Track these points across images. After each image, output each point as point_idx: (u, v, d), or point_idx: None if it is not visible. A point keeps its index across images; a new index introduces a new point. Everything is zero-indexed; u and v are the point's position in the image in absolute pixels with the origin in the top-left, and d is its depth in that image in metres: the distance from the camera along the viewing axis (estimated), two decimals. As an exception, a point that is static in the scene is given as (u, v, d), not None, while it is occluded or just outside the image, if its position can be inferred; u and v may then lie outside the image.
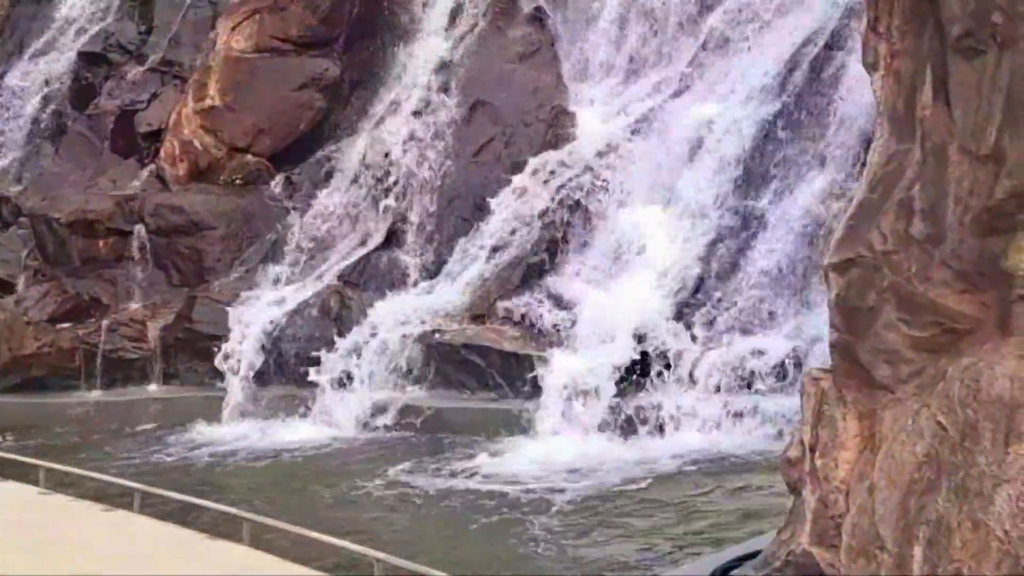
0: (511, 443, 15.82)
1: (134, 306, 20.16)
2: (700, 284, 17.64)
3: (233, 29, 21.90)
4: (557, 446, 15.56)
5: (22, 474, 13.43)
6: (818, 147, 18.02)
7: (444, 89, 20.78)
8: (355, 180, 20.72)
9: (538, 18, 21.08)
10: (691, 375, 16.56)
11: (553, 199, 18.88)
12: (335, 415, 17.38)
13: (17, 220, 21.69)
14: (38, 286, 20.59)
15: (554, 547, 11.75)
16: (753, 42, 19.78)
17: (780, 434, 14.60)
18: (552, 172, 19.22)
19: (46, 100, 24.80)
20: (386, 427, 17.14)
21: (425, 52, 21.58)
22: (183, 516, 11.96)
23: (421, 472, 14.89)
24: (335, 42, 21.94)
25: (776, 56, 19.22)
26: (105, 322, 19.73)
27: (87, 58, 24.72)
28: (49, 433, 18.01)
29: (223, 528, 11.36)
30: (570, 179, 19.01)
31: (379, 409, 17.29)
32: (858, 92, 17.03)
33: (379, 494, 14.11)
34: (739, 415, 15.85)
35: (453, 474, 14.72)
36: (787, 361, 16.15)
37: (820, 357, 13.47)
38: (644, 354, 16.66)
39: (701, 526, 12.18)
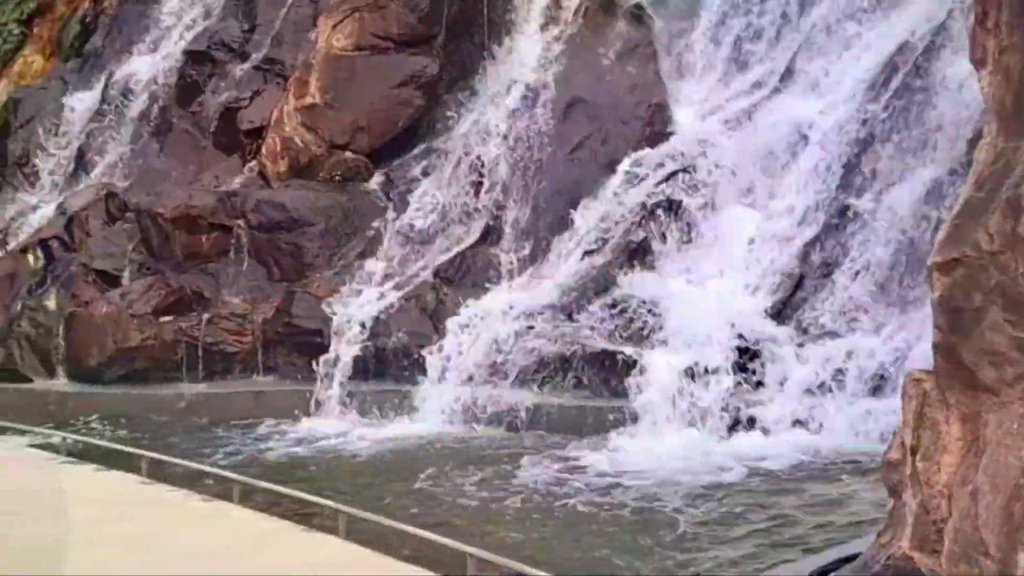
0: (607, 441, 15.73)
1: (235, 300, 20.38)
2: (799, 284, 17.44)
3: (334, 27, 22.10)
4: (655, 444, 15.46)
5: (125, 464, 13.71)
6: (921, 145, 17.72)
7: (541, 86, 20.75)
8: (452, 177, 20.79)
9: (637, 15, 20.98)
10: (789, 375, 16.38)
11: (649, 197, 18.77)
12: (431, 411, 17.45)
13: (123, 215, 22.08)
14: (142, 280, 20.94)
15: (659, 545, 11.67)
16: (855, 39, 19.51)
17: (880, 436, 14.37)
18: (649, 170, 19.12)
19: (152, 97, 25.24)
20: (481, 424, 17.15)
21: (523, 49, 21.60)
22: (280, 508, 12.10)
23: (518, 469, 14.86)
24: (434, 40, 22.03)
25: (879, 53, 18.92)
26: (206, 316, 20.00)
27: (192, 56, 25.10)
28: (151, 424, 18.33)
29: (319, 521, 11.48)
30: (667, 177, 18.90)
31: (474, 406, 17.32)
32: (964, 89, 16.74)
33: (476, 490, 14.13)
34: (837, 417, 15.63)
35: (550, 471, 14.68)
36: (887, 362, 15.90)
37: (921, 358, 13.23)
38: (741, 353, 16.51)
39: (802, 528, 12.03)
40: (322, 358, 18.69)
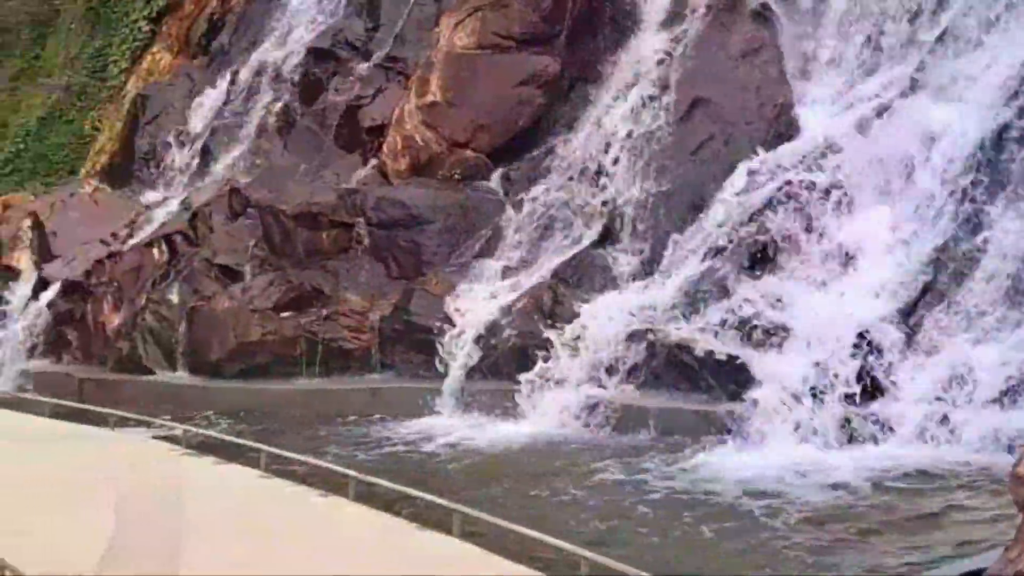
0: (723, 446, 15.51)
1: (354, 297, 20.50)
2: (925, 290, 16.99)
3: (456, 26, 22.14)
4: (772, 451, 15.19)
5: (245, 457, 13.85)
6: (1057, 150, 17.18)
7: (664, 86, 20.52)
8: (572, 176, 20.66)
9: (762, 14, 20.62)
10: (913, 382, 15.96)
11: (773, 199, 18.44)
12: (545, 411, 17.35)
13: (246, 211, 22.36)
14: (264, 275, 21.18)
15: (767, 554, 11.46)
16: (988, 41, 18.97)
17: (1009, 449, 13.94)
18: (773, 171, 18.79)
19: (276, 95, 25.56)
20: (596, 425, 17.01)
21: (646, 48, 21.38)
22: (395, 505, 12.12)
23: (631, 471, 14.74)
24: (556, 38, 21.96)
25: (1012, 56, 18.36)
26: (325, 312, 20.15)
27: (316, 54, 25.38)
28: (271, 418, 18.53)
29: (433, 519, 11.46)
30: (791, 179, 18.54)
31: (590, 407, 17.19)
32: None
33: (589, 492, 14.02)
34: (963, 427, 15.19)
35: (664, 475, 14.51)
36: (1016, 372, 15.42)
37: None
38: (864, 359, 16.13)
39: (923, 539, 11.72)
40: (438, 356, 18.68)
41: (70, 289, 22.70)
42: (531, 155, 21.58)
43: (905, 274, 17.01)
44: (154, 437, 15.63)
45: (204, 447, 14.76)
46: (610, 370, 17.52)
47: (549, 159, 21.30)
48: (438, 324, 19.05)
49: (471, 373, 18.38)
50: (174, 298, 21.16)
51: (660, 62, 20.90)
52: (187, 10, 31.76)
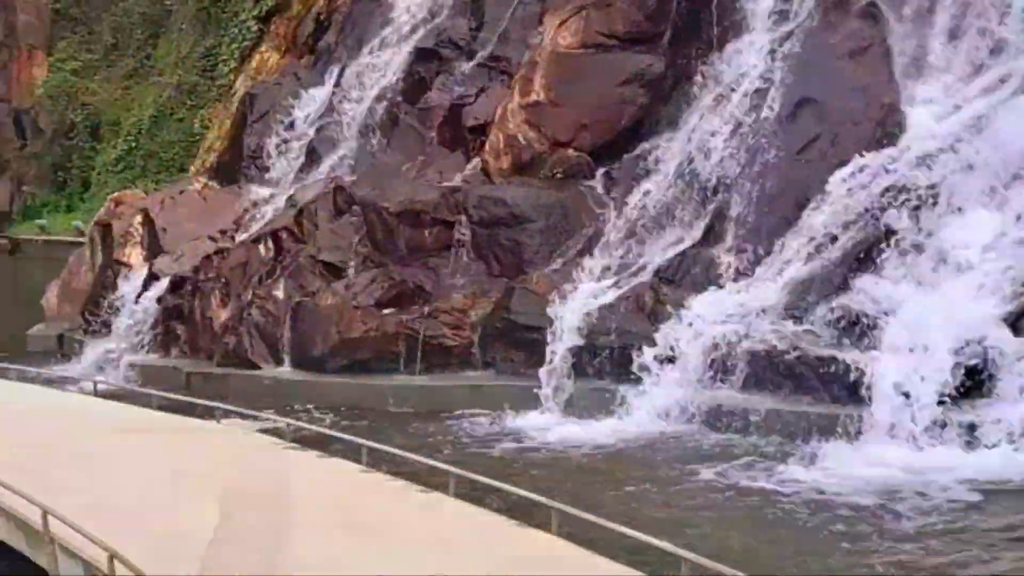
0: (830, 448, 15.32)
1: (455, 295, 20.60)
2: (1035, 292, 16.64)
3: (560, 25, 22.15)
4: (882, 454, 14.98)
5: (347, 452, 14.00)
6: None
7: (769, 85, 20.32)
8: (675, 176, 20.56)
9: (871, 12, 20.32)
10: (1019, 385, 15.64)
11: (879, 199, 18.17)
12: (646, 411, 17.29)
13: (350, 208, 22.57)
14: (367, 272, 21.37)
15: (885, 561, 11.31)
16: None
17: None
18: (879, 171, 18.52)
19: (381, 94, 25.79)
20: (697, 425, 16.91)
21: (751, 47, 21.19)
22: (495, 501, 12.17)
23: (733, 473, 14.65)
24: (660, 37, 21.87)
25: None
26: (427, 309, 20.27)
27: (420, 53, 25.57)
28: (372, 414, 18.70)
29: (533, 516, 11.49)
30: (898, 179, 18.27)
31: (690, 407, 17.10)
32: None
33: (688, 493, 13.97)
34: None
35: (768, 477, 14.39)
36: None
37: None
38: (970, 361, 15.84)
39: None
40: (540, 354, 18.71)
41: (179, 284, 23.10)
42: (633, 154, 21.51)
43: (1016, 276, 16.67)
44: (259, 431, 15.87)
45: (307, 441, 14.95)
46: (712, 370, 17.39)
47: (652, 158, 21.22)
48: (539, 322, 19.06)
49: (572, 372, 18.36)
50: (279, 294, 21.43)
51: (766, 61, 20.69)
52: (295, 10, 32.23)
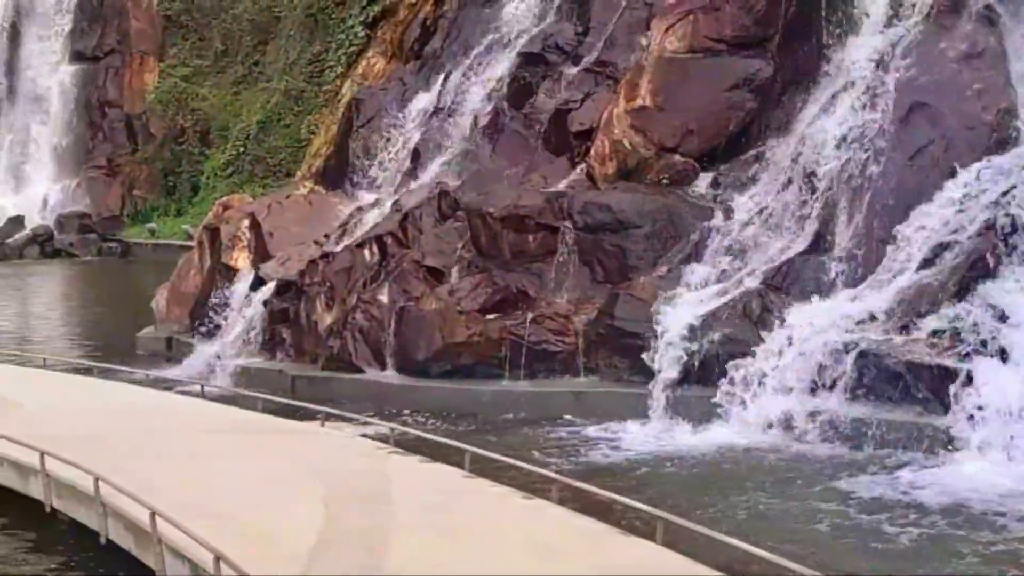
0: (938, 460, 14.99)
1: (559, 300, 20.51)
2: None
3: (667, 30, 21.96)
4: (992, 467, 14.60)
5: (449, 457, 13.99)
6: None
7: (881, 89, 19.90)
8: (783, 182, 20.24)
9: (987, 16, 19.82)
10: None
11: (994, 207, 17.69)
12: (752, 420, 17.01)
13: (455, 213, 22.60)
14: (470, 277, 21.36)
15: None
16: None
17: None
18: (994, 178, 18.04)
19: (487, 99, 25.82)
20: (803, 435, 16.61)
21: (862, 51, 20.75)
22: (598, 509, 12.07)
23: (840, 483, 14.40)
24: (769, 42, 21.58)
25: None
26: (531, 315, 20.19)
27: (526, 58, 25.56)
28: (475, 419, 18.69)
29: (637, 525, 11.39)
30: (1014, 186, 17.78)
31: (798, 416, 16.79)
32: None
33: (795, 503, 13.74)
34: None
35: (876, 487, 14.11)
36: None
37: None
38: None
39: None
40: (643, 361, 18.54)
41: (284, 288, 23.29)
42: (741, 160, 21.24)
43: None
44: (362, 435, 15.94)
45: (410, 445, 14.97)
46: (819, 379, 17.06)
47: (760, 164, 20.93)
48: (643, 329, 18.89)
49: (676, 379, 18.15)
50: (384, 298, 21.50)
51: (877, 66, 20.28)
52: (401, 16, 32.44)
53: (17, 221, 57.78)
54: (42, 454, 13.29)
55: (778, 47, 21.52)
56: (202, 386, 19.56)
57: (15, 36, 61.90)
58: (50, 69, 61.39)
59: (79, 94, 60.80)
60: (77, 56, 61.13)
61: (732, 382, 17.64)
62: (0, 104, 61.95)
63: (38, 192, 60.46)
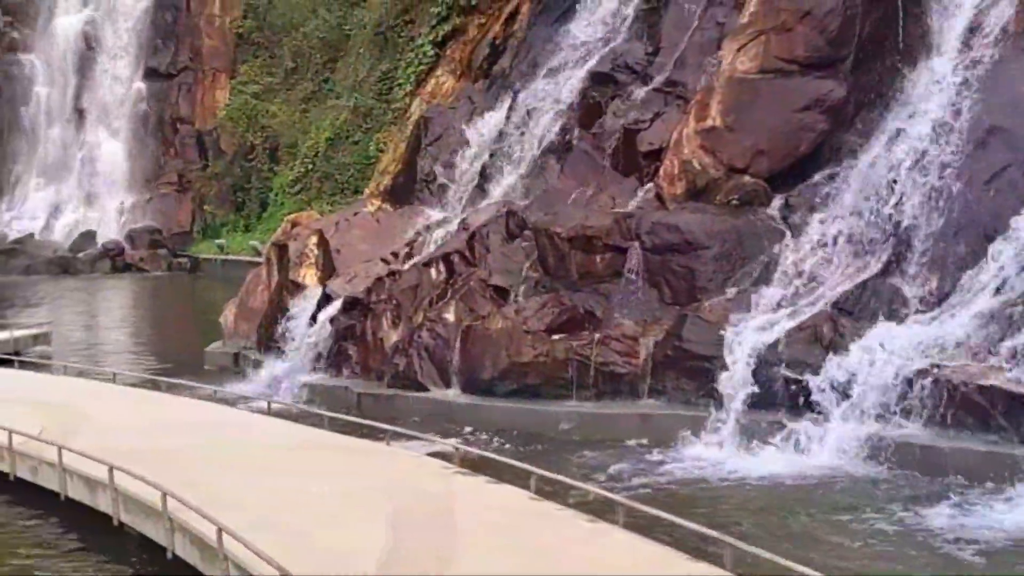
0: (1018, 491, 14.64)
1: (626, 321, 20.33)
2: None
3: (738, 50, 21.78)
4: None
5: (516, 478, 13.88)
6: None
7: (957, 113, 19.59)
8: (855, 204, 19.95)
9: (1067, 37, 19.51)
10: None
11: (1074, 232, 17.35)
12: (823, 446, 16.72)
13: (522, 233, 22.54)
14: (537, 297, 21.27)
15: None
16: None
17: None
18: (1074, 203, 17.70)
19: (554, 118, 25.74)
20: (876, 463, 16.29)
21: (937, 73, 20.46)
22: (665, 533, 11.91)
23: (915, 513, 14.09)
24: (841, 63, 21.30)
25: None
26: (598, 336, 20.04)
27: (595, 78, 25.45)
28: (541, 439, 18.57)
29: (705, 550, 11.21)
30: (1094, 211, 17.42)
31: (869, 443, 16.48)
32: None
33: (867, 532, 13.48)
34: None
35: (952, 518, 13.80)
36: None
37: None
38: None
39: None
40: (712, 384, 18.34)
41: (351, 305, 23.34)
42: (812, 182, 20.96)
43: None
44: (428, 453, 15.88)
45: (476, 465, 14.89)
46: (892, 406, 16.77)
47: (831, 186, 20.64)
48: (712, 352, 18.69)
49: (746, 403, 17.92)
50: (450, 317, 21.48)
51: (953, 87, 19.98)
52: (471, 35, 32.47)
53: (89, 236, 58.62)
54: (111, 468, 13.36)
55: (851, 68, 21.24)
56: (269, 402, 19.63)
57: (90, 54, 62.84)
58: (124, 86, 62.27)
59: (152, 111, 61.66)
60: (150, 73, 62.01)
61: (803, 407, 17.39)
62: (74, 120, 62.87)
63: (110, 207, 61.33)
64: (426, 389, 21.07)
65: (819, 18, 21.30)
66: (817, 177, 21.01)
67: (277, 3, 58.60)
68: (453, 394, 20.85)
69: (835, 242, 19.80)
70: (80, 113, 62.94)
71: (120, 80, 62.46)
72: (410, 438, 16.78)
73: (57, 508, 14.69)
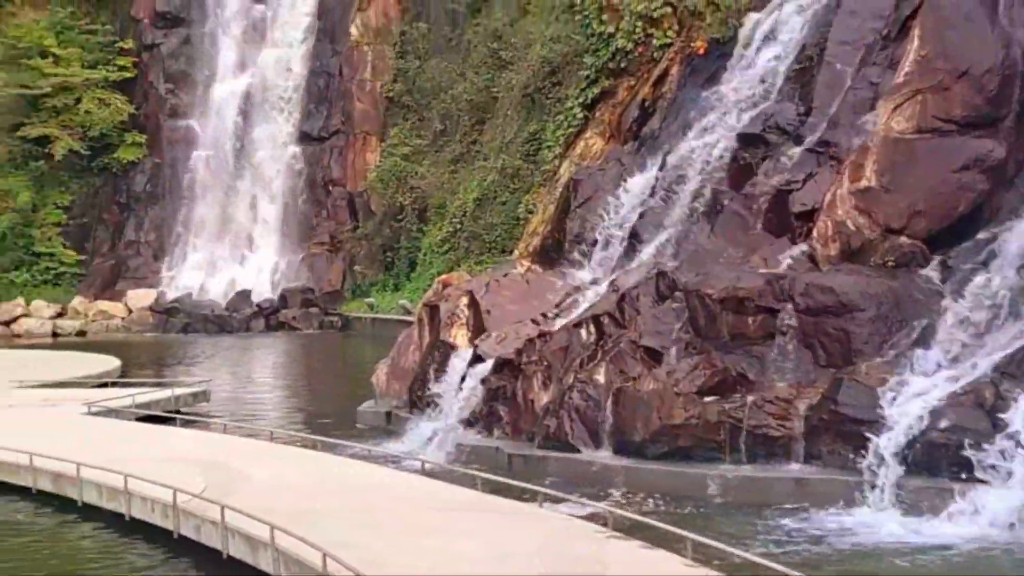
0: None
1: (779, 384, 20.08)
2: None
3: (894, 110, 21.53)
4: None
5: (671, 543, 13.75)
6: None
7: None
8: (1018, 265, 19.49)
9: None
10: None
11: None
12: (993, 513, 16.27)
13: (672, 294, 22.46)
14: (688, 359, 21.13)
15: None
16: None
17: None
18: None
19: (704, 179, 25.68)
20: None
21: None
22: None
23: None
24: (1001, 122, 20.91)
25: None
26: (751, 398, 19.82)
27: (746, 139, 25.36)
28: (694, 503, 18.38)
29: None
30: None
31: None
32: None
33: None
34: None
35: None
36: None
37: None
38: None
39: None
40: (870, 449, 17.98)
41: (502, 366, 23.48)
42: (972, 242, 20.54)
43: None
44: (581, 516, 15.83)
45: (629, 529, 14.78)
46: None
47: (992, 247, 20.18)
48: (869, 415, 18.34)
49: (904, 468, 17.52)
50: (600, 378, 21.46)
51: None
52: (620, 97, 32.67)
53: (244, 295, 60.05)
54: (271, 528, 13.61)
55: (1011, 127, 20.82)
56: (423, 463, 19.79)
57: (247, 119, 64.67)
58: (278, 149, 63.91)
59: (305, 173, 63.13)
60: (304, 137, 63.55)
61: (965, 472, 16.95)
62: (232, 183, 64.68)
63: (264, 266, 62.80)
64: (577, 450, 21.04)
65: (977, 77, 20.96)
66: (977, 237, 20.58)
67: (426, 68, 59.64)
68: (604, 455, 20.76)
69: (996, 303, 19.33)
70: (237, 175, 64.70)
71: (275, 143, 64.11)
72: (562, 500, 16.75)
73: (220, 565, 15.00)
